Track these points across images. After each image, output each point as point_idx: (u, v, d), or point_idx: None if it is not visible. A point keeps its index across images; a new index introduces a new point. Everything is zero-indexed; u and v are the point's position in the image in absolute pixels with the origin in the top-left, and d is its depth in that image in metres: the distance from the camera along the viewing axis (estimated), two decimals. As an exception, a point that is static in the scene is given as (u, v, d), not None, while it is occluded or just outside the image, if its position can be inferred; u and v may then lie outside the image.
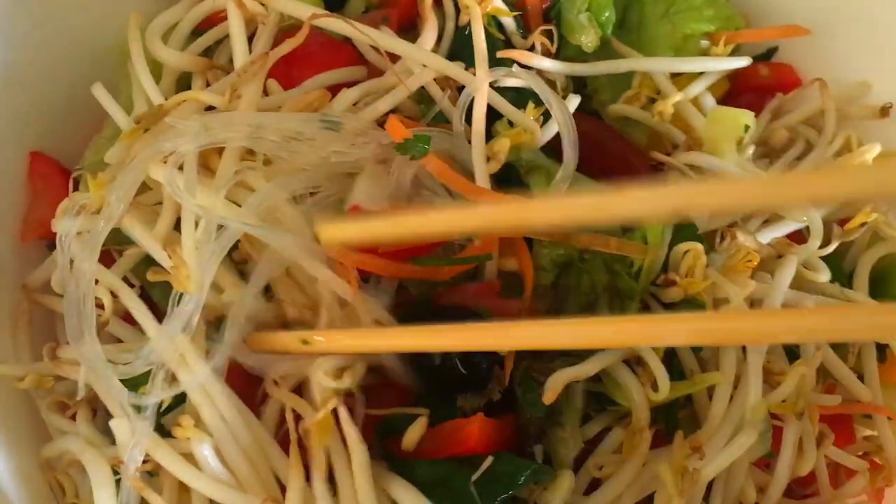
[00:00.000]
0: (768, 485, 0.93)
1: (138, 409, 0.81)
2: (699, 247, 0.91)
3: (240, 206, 0.84)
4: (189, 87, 1.00)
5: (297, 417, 0.82)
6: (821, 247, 0.98)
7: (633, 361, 0.89)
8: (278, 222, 0.84)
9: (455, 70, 0.97)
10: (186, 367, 0.81)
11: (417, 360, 0.87)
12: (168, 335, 0.81)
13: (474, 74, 0.96)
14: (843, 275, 1.04)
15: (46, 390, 0.91)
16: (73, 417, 0.90)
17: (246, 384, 0.86)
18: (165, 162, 0.85)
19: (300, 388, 0.85)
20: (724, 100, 1.14)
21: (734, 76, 1.14)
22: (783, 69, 1.17)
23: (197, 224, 0.84)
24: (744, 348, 0.91)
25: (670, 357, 0.90)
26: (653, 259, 0.92)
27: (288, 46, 0.94)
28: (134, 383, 0.83)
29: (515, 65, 0.97)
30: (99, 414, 0.90)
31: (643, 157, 1.08)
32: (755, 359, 0.89)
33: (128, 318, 0.89)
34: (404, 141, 0.86)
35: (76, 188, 0.95)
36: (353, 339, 0.83)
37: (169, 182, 0.82)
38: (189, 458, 0.80)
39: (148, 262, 0.89)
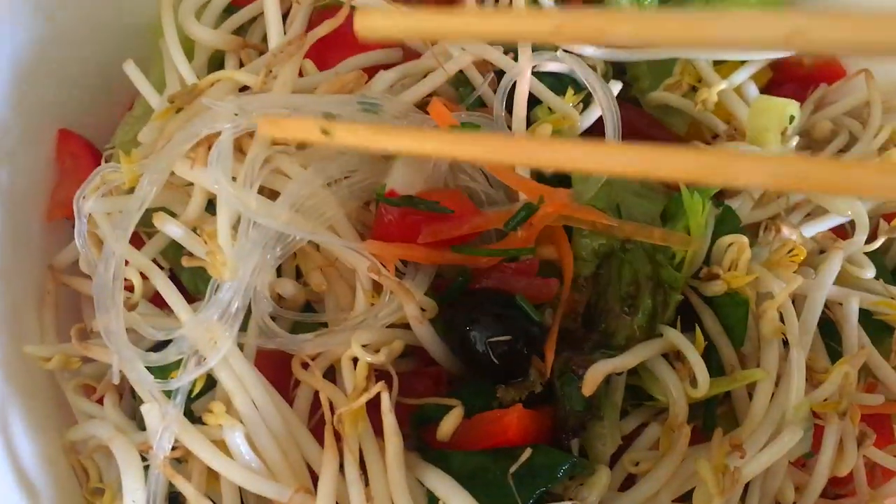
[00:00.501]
0: (805, 484, 0.90)
1: (168, 394, 0.80)
2: (744, 240, 0.88)
3: (276, 194, 0.82)
4: (222, 66, 0.99)
5: (331, 403, 0.80)
6: (866, 242, 0.96)
7: (672, 356, 0.87)
8: (315, 210, 0.82)
9: (495, 55, 0.95)
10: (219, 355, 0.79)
11: (459, 347, 0.85)
12: (203, 323, 0.79)
13: (514, 59, 0.93)
14: (886, 271, 1.01)
15: (72, 372, 0.89)
16: (100, 401, 0.88)
17: (276, 369, 0.84)
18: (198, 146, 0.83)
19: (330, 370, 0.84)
20: (766, 89, 1.11)
21: (777, 65, 1.11)
22: (827, 59, 1.14)
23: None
24: (786, 344, 0.89)
25: (709, 352, 0.88)
26: (695, 250, 0.89)
27: (327, 28, 0.92)
28: (164, 368, 0.81)
29: (560, 49, 0.95)
30: (125, 397, 0.88)
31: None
32: (798, 355, 0.87)
33: (156, 301, 0.87)
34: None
35: (106, 167, 0.93)
36: (375, 134, 0.71)
37: (207, 178, 0.81)
38: (219, 445, 0.78)
39: (178, 244, 0.88)
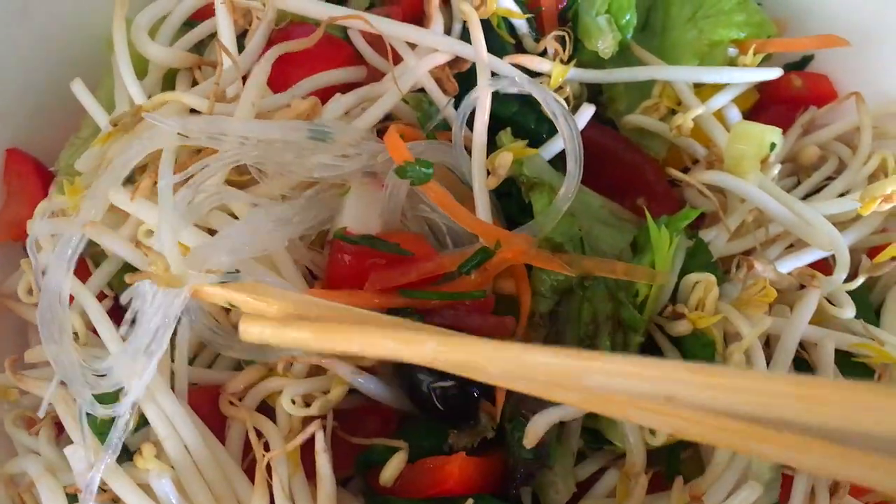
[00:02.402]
0: (774, 537, 0.86)
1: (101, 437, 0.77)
2: (711, 279, 0.84)
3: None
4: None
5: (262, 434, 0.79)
6: (847, 279, 0.90)
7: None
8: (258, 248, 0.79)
9: (468, 50, 0.91)
10: (149, 396, 0.76)
11: (407, 390, 0.81)
12: (129, 355, 0.75)
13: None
14: (870, 310, 0.96)
15: (11, 403, 0.87)
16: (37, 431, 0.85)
17: (211, 404, 0.82)
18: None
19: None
20: (752, 111, 1.06)
21: (764, 86, 1.05)
22: (818, 80, 1.09)
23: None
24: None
25: (675, 395, 0.84)
26: (660, 288, 0.85)
27: (296, 46, 0.90)
28: (100, 401, 0.78)
29: (518, 72, 0.90)
30: (66, 432, 0.85)
31: (660, 171, 1.01)
32: (767, 402, 0.82)
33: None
34: (405, 164, 0.80)
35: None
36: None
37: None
38: (149, 488, 0.75)
39: (126, 270, 0.85)
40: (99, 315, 0.80)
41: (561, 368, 0.59)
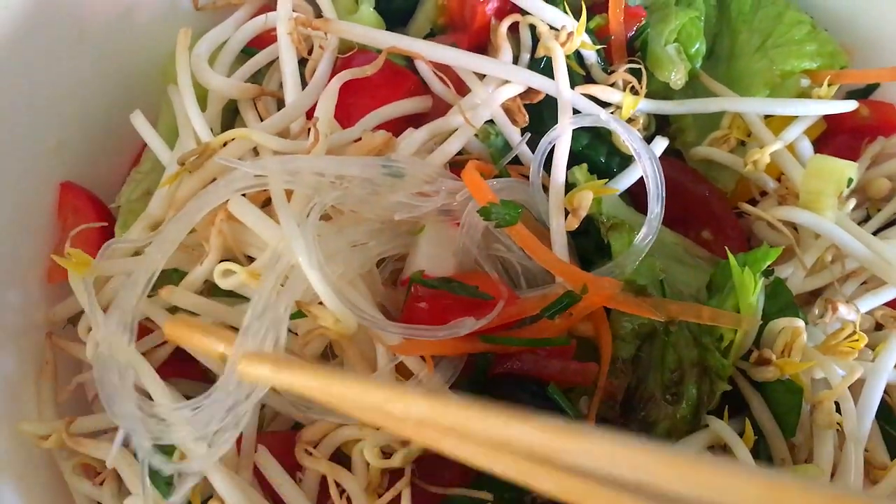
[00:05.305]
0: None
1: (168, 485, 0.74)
2: (799, 324, 0.81)
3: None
4: (237, 112, 0.92)
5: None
6: (929, 318, 0.88)
7: (718, 448, 0.81)
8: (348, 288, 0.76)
9: (545, 83, 0.88)
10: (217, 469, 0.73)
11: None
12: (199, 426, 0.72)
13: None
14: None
15: (70, 451, 0.83)
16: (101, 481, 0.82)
17: (284, 446, 0.79)
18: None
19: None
20: (818, 141, 1.03)
21: (831, 115, 1.02)
22: (885, 109, 1.06)
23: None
24: (840, 434, 0.82)
25: (757, 442, 0.81)
26: (745, 332, 0.82)
27: (360, 73, 0.87)
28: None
29: (602, 110, 0.87)
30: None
31: (728, 203, 0.98)
32: (856, 451, 0.80)
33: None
34: (489, 205, 0.77)
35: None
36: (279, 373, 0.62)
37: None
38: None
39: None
40: (153, 380, 0.77)
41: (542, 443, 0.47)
